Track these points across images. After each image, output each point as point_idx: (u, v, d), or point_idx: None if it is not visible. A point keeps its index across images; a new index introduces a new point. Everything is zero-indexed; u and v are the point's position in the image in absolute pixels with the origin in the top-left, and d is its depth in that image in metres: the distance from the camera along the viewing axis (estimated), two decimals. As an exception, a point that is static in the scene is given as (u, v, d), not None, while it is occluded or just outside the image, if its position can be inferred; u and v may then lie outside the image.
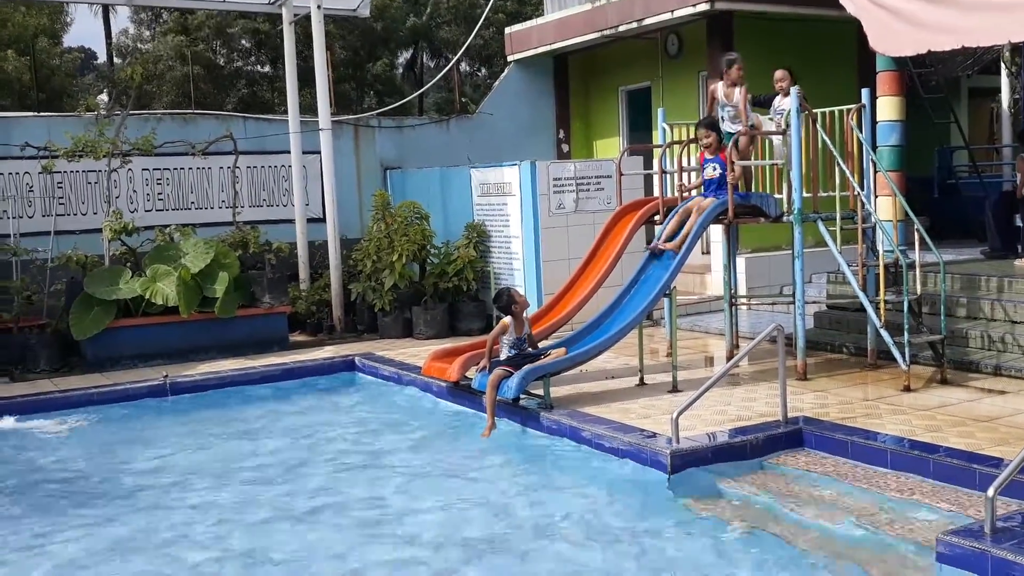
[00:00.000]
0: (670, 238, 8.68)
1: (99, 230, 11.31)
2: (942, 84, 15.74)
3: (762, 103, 9.54)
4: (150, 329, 10.87)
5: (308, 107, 18.27)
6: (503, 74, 16.65)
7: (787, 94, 8.90)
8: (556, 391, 8.06)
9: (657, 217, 9.22)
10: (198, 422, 8.86)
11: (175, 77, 23.39)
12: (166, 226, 11.77)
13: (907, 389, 7.91)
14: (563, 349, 8.16)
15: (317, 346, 11.58)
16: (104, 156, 11.37)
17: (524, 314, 8.17)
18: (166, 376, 9.84)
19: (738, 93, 9.05)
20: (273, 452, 7.78)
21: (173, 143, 12.39)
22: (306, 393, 9.85)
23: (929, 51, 8.62)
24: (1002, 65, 17.81)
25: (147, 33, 27.59)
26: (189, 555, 5.68)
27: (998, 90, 18.26)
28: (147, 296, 10.68)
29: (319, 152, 12.71)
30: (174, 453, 7.85)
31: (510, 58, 16.31)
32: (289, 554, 5.62)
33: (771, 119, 9.32)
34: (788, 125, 8.76)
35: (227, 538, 5.92)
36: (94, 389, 9.63)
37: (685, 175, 9.50)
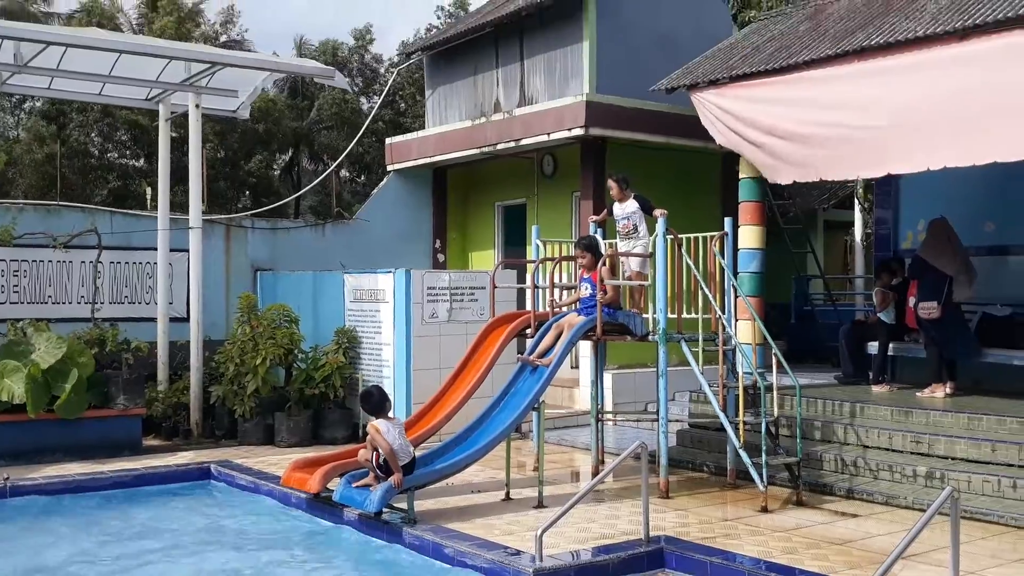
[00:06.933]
0: (543, 355, 8.76)
1: (-54, 321, 10.74)
2: (800, 216, 16.64)
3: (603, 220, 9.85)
4: (-7, 427, 10.25)
5: (180, 204, 17.92)
6: (382, 182, 16.78)
7: (621, 200, 9.37)
8: (420, 504, 7.90)
9: (529, 330, 9.31)
10: (35, 529, 8.30)
11: (36, 161, 22.50)
12: (19, 320, 11.23)
13: (765, 510, 8.07)
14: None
15: (172, 451, 11.09)
16: (-42, 244, 10.89)
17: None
18: (6, 478, 9.24)
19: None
20: (113, 561, 7.31)
21: (34, 234, 11.94)
22: (155, 501, 9.35)
23: (795, 182, 9.17)
24: (856, 200, 18.99)
25: (11, 119, 26.70)
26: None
27: (852, 223, 19.41)
28: (-8, 392, 10.11)
29: (188, 250, 12.42)
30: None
31: (390, 168, 16.47)
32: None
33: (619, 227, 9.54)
34: (635, 228, 9.19)
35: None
36: (-76, 490, 8.97)
37: (557, 291, 9.66)
